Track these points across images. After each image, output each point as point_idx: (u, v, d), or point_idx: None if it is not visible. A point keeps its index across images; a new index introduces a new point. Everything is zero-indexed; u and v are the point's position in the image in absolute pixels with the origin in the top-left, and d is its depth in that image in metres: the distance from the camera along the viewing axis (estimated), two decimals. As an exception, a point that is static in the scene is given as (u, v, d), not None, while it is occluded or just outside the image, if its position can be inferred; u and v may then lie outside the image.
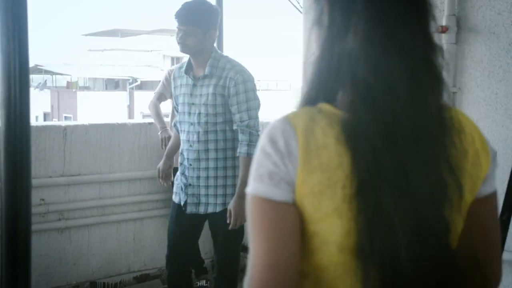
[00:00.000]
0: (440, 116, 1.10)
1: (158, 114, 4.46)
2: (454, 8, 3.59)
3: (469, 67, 3.59)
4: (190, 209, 3.52)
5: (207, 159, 3.43)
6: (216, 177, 3.44)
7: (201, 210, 3.51)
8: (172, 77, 3.66)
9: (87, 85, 41.17)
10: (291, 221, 1.07)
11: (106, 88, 39.89)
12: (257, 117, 3.41)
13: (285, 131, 1.08)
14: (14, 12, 1.71)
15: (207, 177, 3.45)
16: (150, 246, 4.66)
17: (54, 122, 5.82)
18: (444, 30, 3.55)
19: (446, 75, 1.14)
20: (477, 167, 1.18)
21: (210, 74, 3.39)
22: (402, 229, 1.04)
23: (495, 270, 1.23)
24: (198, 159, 3.44)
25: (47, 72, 38.81)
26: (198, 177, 3.47)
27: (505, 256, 3.21)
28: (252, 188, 1.09)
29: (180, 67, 3.60)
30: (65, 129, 4.26)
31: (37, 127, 4.19)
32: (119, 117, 27.41)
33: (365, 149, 1.04)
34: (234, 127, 3.39)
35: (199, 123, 3.41)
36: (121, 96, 34.87)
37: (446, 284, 1.10)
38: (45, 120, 33.55)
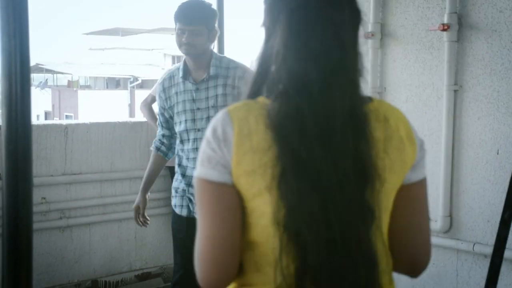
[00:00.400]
0: (355, 111, 1.23)
1: (155, 118, 4.44)
2: (455, 6, 3.58)
3: (470, 65, 3.58)
4: None
5: None
6: None
7: None
8: (160, 89, 3.39)
9: (88, 84, 41.17)
10: (229, 199, 1.23)
11: (107, 87, 39.89)
12: None
13: (224, 121, 1.25)
14: (15, 10, 1.70)
15: None
16: (151, 244, 4.66)
17: (55, 120, 5.82)
18: (445, 28, 3.55)
19: (365, 78, 1.29)
20: (402, 153, 1.29)
21: (215, 74, 3.24)
22: (315, 211, 1.17)
23: (423, 252, 1.35)
24: None
25: (48, 71, 38.80)
26: None
27: (507, 254, 3.21)
28: (197, 171, 1.26)
29: (171, 76, 3.36)
30: (66, 127, 4.26)
31: (38, 126, 4.18)
32: (120, 116, 27.39)
33: (284, 139, 1.20)
34: None
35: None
36: (122, 95, 34.86)
37: (360, 263, 1.19)
38: (46, 119, 33.52)
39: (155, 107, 4.51)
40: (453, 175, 3.68)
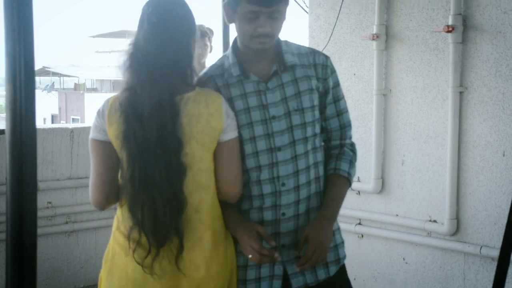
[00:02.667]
0: (176, 97, 1.97)
1: None
2: (460, 7, 3.57)
3: (475, 67, 3.57)
4: (298, 283, 2.22)
5: (307, 200, 2.24)
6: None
7: (312, 278, 2.24)
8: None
9: (94, 86, 41.27)
10: (109, 150, 2.01)
11: (114, 90, 39.94)
12: None
13: (104, 105, 2.04)
14: (20, 13, 1.70)
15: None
16: (157, 248, 4.65)
17: (61, 124, 5.82)
18: (450, 29, 3.54)
19: (191, 76, 2.08)
20: (212, 122, 2.01)
21: (292, 64, 2.19)
22: (146, 164, 1.93)
23: (234, 186, 2.09)
24: (297, 204, 2.20)
25: (54, 74, 38.93)
26: (296, 230, 2.21)
27: (514, 256, 3.19)
28: (90, 135, 2.05)
29: (224, 68, 2.22)
30: (72, 131, 4.26)
31: (44, 130, 4.19)
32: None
33: (127, 118, 1.95)
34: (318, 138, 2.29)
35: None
36: (128, 98, 34.84)
37: (173, 198, 1.95)
38: (53, 122, 33.61)
39: None
40: (459, 178, 3.66)
